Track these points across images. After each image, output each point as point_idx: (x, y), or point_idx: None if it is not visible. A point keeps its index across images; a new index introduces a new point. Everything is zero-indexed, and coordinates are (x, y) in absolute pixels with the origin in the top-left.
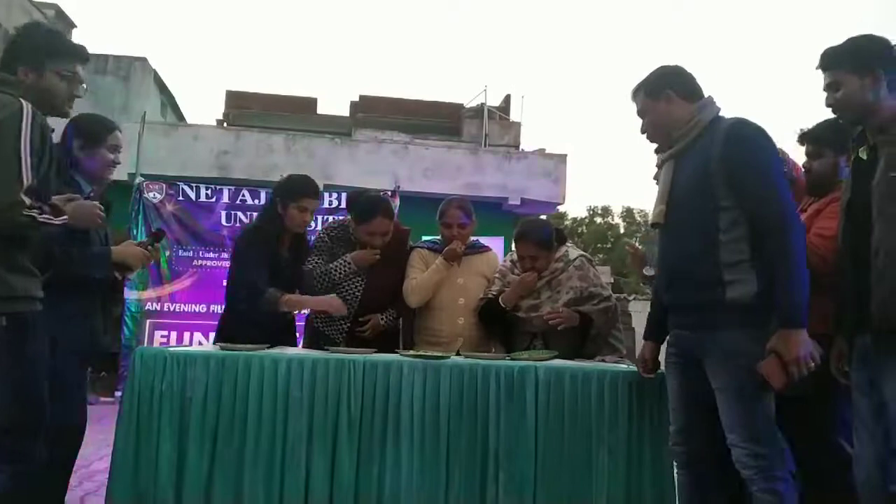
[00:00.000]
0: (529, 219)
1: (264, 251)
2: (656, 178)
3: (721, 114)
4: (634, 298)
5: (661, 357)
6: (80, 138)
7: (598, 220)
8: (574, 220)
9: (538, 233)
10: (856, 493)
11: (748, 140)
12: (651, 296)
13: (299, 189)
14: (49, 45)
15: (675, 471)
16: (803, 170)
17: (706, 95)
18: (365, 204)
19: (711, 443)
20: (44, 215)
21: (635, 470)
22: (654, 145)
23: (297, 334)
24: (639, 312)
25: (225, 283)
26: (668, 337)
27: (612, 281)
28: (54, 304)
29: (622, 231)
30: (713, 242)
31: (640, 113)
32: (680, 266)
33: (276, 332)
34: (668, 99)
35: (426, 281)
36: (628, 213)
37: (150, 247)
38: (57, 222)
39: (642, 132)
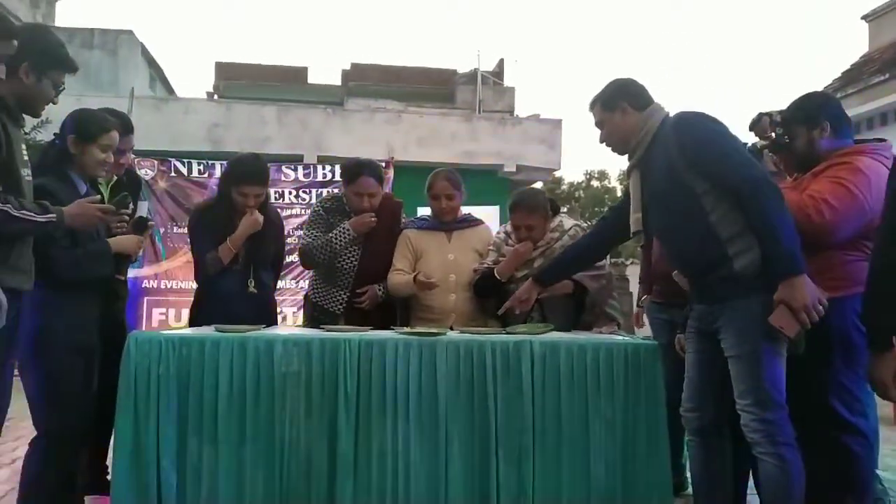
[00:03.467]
0: (523, 189)
1: (210, 229)
2: (626, 185)
3: (667, 114)
4: (632, 262)
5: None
6: (74, 133)
7: (595, 183)
8: (571, 184)
9: (533, 202)
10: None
11: (694, 125)
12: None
13: (241, 175)
14: (55, 54)
15: (686, 438)
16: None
17: (654, 103)
18: (351, 165)
19: (723, 412)
20: (22, 211)
21: (631, 440)
22: None
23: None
24: (636, 276)
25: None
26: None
27: None
28: (51, 298)
29: (619, 194)
30: (707, 226)
31: (598, 124)
32: (686, 259)
33: (250, 305)
34: (622, 110)
35: (400, 286)
36: (625, 177)
37: (142, 229)
38: (40, 220)
39: (601, 141)
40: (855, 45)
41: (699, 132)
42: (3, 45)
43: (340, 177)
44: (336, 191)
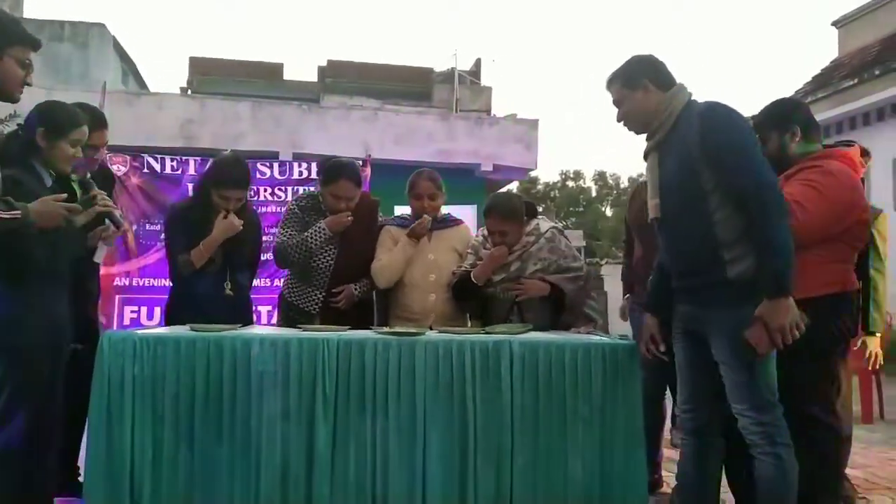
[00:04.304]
0: (499, 192)
1: (186, 229)
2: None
3: (693, 98)
4: (606, 262)
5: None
6: (43, 126)
7: (571, 184)
8: (546, 184)
9: (507, 206)
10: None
11: (722, 121)
12: (653, 272)
13: (222, 178)
14: (9, 31)
15: (681, 437)
16: None
17: (678, 82)
18: (330, 167)
19: (717, 412)
20: None
21: (608, 439)
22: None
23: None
24: (610, 276)
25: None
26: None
27: (584, 244)
28: (13, 290)
29: (594, 195)
30: (709, 225)
31: (617, 102)
32: (683, 254)
33: (226, 307)
34: (644, 89)
35: (393, 261)
36: (600, 177)
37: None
38: (4, 216)
39: (618, 121)
40: (825, 50)
41: (724, 126)
42: None
43: (318, 175)
44: (312, 189)
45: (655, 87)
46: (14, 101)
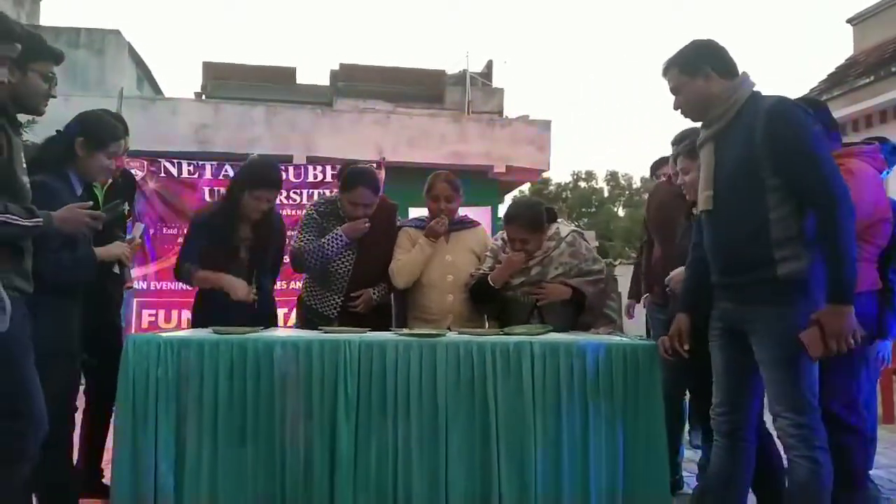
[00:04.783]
0: (520, 199)
1: (207, 232)
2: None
3: (757, 90)
4: (620, 263)
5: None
6: (84, 136)
7: (583, 184)
8: (558, 185)
9: (529, 216)
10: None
11: (791, 119)
12: (688, 266)
13: (257, 179)
14: (33, 46)
15: (714, 439)
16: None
17: (741, 72)
18: (350, 173)
19: (752, 413)
20: (7, 214)
21: (630, 440)
22: (641, 116)
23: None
24: (624, 276)
25: None
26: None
27: (597, 245)
28: (34, 307)
29: (606, 195)
30: (763, 222)
31: (674, 90)
32: (733, 251)
33: (253, 314)
34: (706, 76)
35: (411, 261)
36: (612, 177)
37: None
38: (26, 224)
39: (675, 108)
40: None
41: (795, 129)
42: (5, 48)
43: (338, 179)
44: (328, 192)
45: (717, 74)
46: (39, 114)
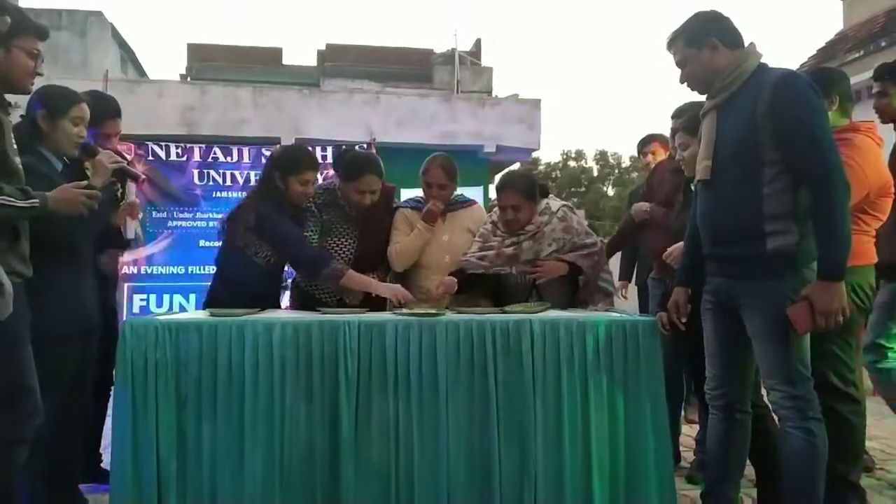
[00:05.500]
0: (510, 169)
1: (289, 223)
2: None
3: (763, 62)
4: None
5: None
6: (43, 108)
7: (572, 164)
8: (548, 164)
9: (521, 181)
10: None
11: (797, 95)
12: (685, 241)
13: (300, 162)
14: (15, 21)
15: (710, 413)
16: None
17: (747, 44)
18: (353, 161)
19: (748, 387)
20: (3, 196)
21: (632, 415)
22: (631, 95)
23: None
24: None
25: (221, 256)
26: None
27: (588, 223)
28: (42, 279)
29: (595, 174)
30: (758, 196)
31: (681, 63)
32: (724, 221)
33: (265, 297)
34: (712, 47)
35: (409, 246)
36: (602, 157)
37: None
38: (22, 205)
39: (682, 82)
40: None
41: (800, 104)
42: None
43: (336, 169)
44: (327, 182)
45: (724, 45)
46: (26, 92)
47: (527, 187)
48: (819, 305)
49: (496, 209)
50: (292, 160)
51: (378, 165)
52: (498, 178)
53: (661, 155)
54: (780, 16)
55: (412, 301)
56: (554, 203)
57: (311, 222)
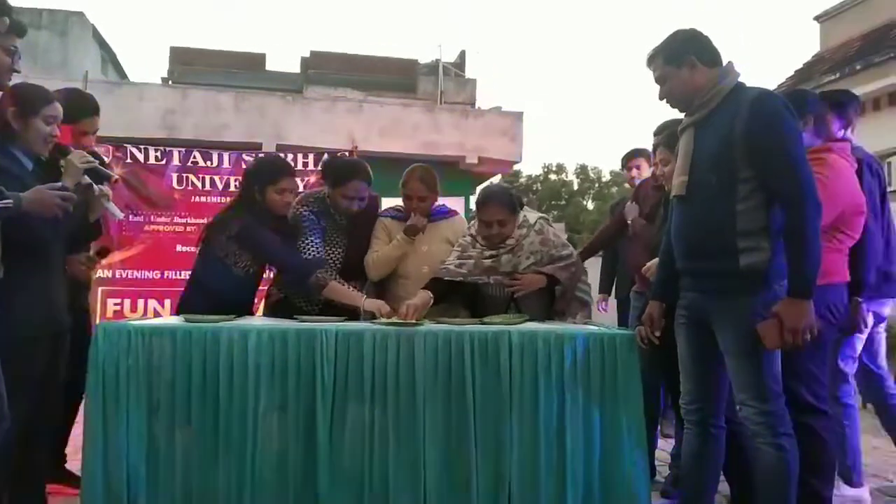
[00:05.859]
0: (490, 184)
1: (272, 237)
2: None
3: (741, 79)
4: None
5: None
6: (14, 106)
7: (553, 177)
8: (529, 177)
9: (504, 196)
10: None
11: (773, 115)
12: (659, 256)
13: (274, 170)
14: None
15: (685, 427)
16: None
17: (725, 62)
18: (341, 166)
19: (721, 401)
20: None
21: (608, 429)
22: (612, 110)
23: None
24: (592, 268)
25: (197, 265)
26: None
27: (567, 237)
28: (11, 280)
29: (576, 188)
30: (731, 212)
31: (660, 80)
32: (698, 236)
33: (240, 306)
34: (691, 65)
35: (386, 256)
36: (582, 171)
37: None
38: None
39: (661, 98)
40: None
41: (776, 124)
42: None
43: (323, 175)
44: (299, 181)
45: (702, 63)
46: (3, 89)
47: (510, 202)
48: (788, 322)
49: (475, 222)
50: (266, 171)
51: (366, 171)
52: (479, 192)
53: (646, 169)
54: (758, 37)
55: (390, 315)
56: (531, 215)
57: (314, 229)
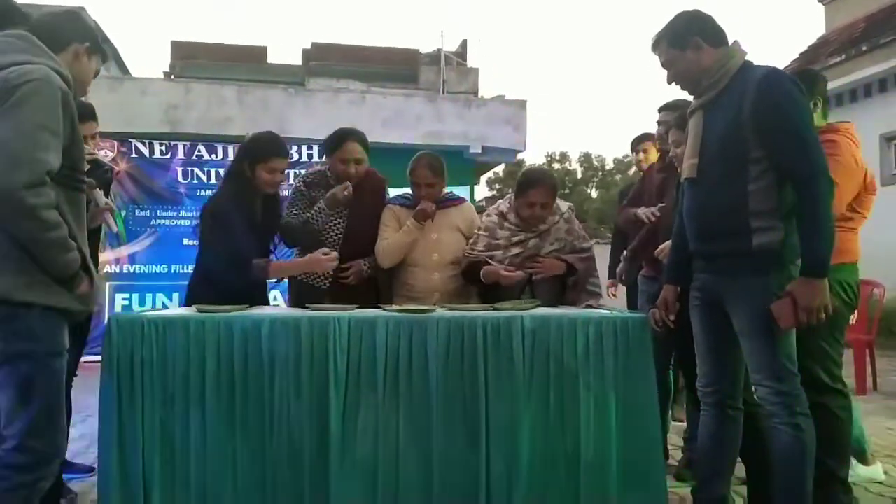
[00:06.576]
0: (532, 167)
1: (245, 217)
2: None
3: (748, 60)
4: (596, 242)
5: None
6: None
7: (556, 165)
8: (532, 166)
9: (552, 180)
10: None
11: (782, 92)
12: (672, 238)
13: (267, 150)
14: (97, 31)
15: (702, 409)
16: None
17: (731, 41)
18: (336, 132)
19: (738, 382)
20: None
21: (622, 413)
22: (615, 97)
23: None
24: (600, 256)
25: (199, 250)
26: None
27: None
28: None
29: (579, 176)
30: (743, 192)
31: (666, 64)
32: (710, 218)
33: (250, 292)
34: (696, 47)
35: (397, 243)
36: (586, 159)
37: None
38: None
39: (669, 82)
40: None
41: (784, 102)
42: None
43: (324, 147)
44: (303, 172)
45: (708, 44)
46: (84, 95)
47: (555, 186)
48: (802, 301)
49: (506, 199)
50: (260, 148)
51: (360, 134)
52: (523, 173)
53: (652, 153)
54: (763, 20)
55: (331, 265)
56: (562, 204)
57: (300, 200)
